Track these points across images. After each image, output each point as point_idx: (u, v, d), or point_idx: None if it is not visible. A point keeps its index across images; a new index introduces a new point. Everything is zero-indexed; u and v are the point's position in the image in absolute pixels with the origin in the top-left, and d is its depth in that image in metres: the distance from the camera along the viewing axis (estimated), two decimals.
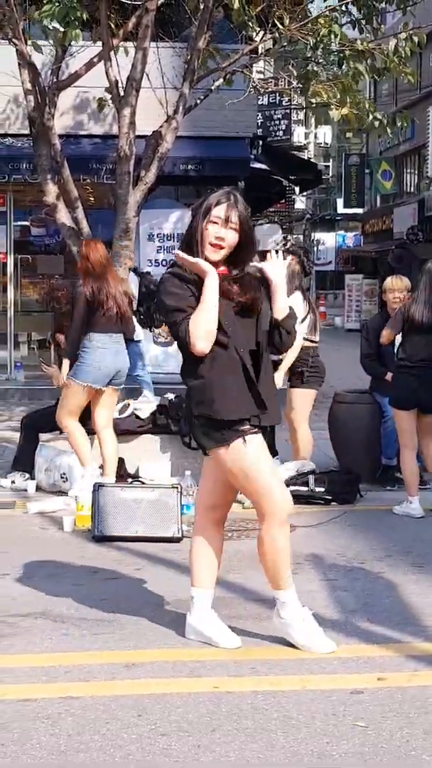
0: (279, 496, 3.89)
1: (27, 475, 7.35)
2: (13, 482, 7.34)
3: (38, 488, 7.21)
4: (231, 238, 3.87)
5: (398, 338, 7.13)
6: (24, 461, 7.42)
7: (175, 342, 3.98)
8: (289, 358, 7.36)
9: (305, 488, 6.99)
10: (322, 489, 6.98)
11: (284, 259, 4.10)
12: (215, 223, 3.85)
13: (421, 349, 6.69)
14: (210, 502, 4.13)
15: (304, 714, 3.39)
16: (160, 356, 12.89)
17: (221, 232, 3.85)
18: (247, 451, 3.86)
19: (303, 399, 7.48)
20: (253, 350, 3.92)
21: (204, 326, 3.79)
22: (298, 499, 6.94)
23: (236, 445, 3.85)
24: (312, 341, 7.48)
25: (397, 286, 7.59)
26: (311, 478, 7.03)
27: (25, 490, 7.19)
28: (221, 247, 3.87)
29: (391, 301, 7.62)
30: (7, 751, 3.12)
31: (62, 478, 7.13)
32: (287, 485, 6.97)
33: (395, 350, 7.20)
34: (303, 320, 7.34)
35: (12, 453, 7.88)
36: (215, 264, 3.88)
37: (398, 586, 4.96)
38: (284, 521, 3.92)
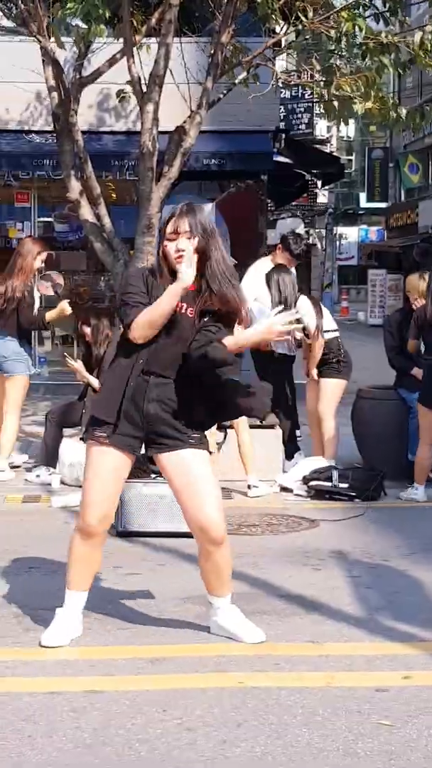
0: (85, 514, 4.03)
1: (52, 470, 7.40)
2: (38, 476, 7.40)
3: (62, 483, 7.26)
4: (188, 246, 3.88)
5: None
6: (49, 456, 7.47)
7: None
8: (317, 352, 7.44)
9: (329, 484, 7.00)
10: (346, 485, 6.98)
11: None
12: (169, 240, 3.93)
13: None
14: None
15: (328, 711, 3.41)
16: None
17: (179, 244, 3.89)
18: (88, 457, 4.04)
19: (335, 389, 7.58)
20: (179, 370, 3.93)
21: (149, 318, 3.87)
22: (321, 494, 6.99)
23: (87, 446, 4.07)
24: (334, 332, 7.61)
25: (414, 286, 7.65)
26: (335, 474, 7.03)
27: (50, 485, 7.24)
28: (182, 257, 3.88)
29: (413, 300, 7.65)
30: (35, 743, 3.16)
31: None
32: (309, 480, 7.04)
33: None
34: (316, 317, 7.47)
35: (37, 448, 7.93)
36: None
37: (424, 583, 4.96)
38: (78, 529, 4.06)
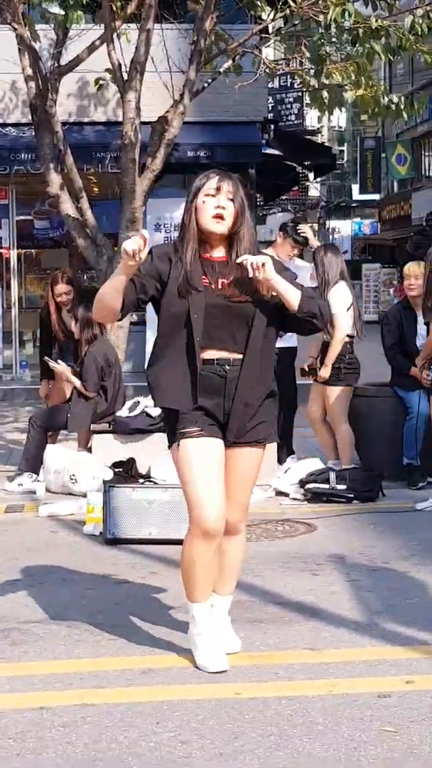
0: (200, 511, 3.75)
1: (35, 476, 7.39)
2: (20, 485, 7.37)
3: (47, 490, 7.24)
4: (230, 208, 3.79)
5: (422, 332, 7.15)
6: (32, 462, 7.45)
7: None
8: (334, 350, 7.36)
9: (326, 486, 7.01)
10: (344, 487, 6.99)
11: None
12: (210, 195, 3.80)
13: None
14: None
15: (329, 719, 3.40)
16: None
17: (220, 201, 3.78)
18: (180, 456, 3.82)
19: (340, 397, 7.49)
20: (233, 350, 3.81)
21: (99, 295, 3.84)
22: (318, 497, 6.99)
23: (175, 447, 3.86)
24: (349, 336, 7.48)
25: (413, 271, 7.51)
26: (332, 476, 7.04)
27: (34, 492, 7.23)
28: (223, 218, 3.78)
29: (407, 286, 7.60)
30: (24, 760, 3.15)
31: (71, 479, 7.15)
32: (306, 483, 7.04)
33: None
34: (348, 309, 7.40)
35: (19, 455, 7.91)
36: (219, 237, 3.81)
37: (425, 586, 4.96)
38: (203, 536, 3.77)
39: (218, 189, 3.80)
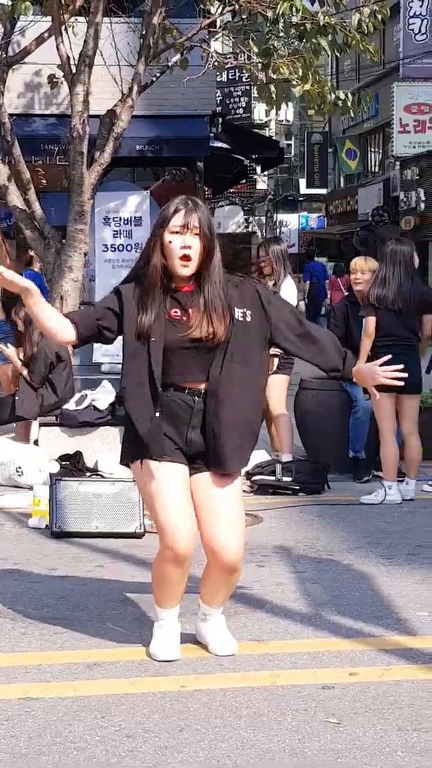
0: (171, 536, 3.69)
1: None
2: None
3: None
4: (196, 246, 3.67)
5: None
6: None
7: None
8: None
9: (272, 478, 7.02)
10: (290, 479, 7.01)
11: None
12: (177, 233, 3.67)
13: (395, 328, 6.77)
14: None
15: (274, 711, 3.41)
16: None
17: (186, 240, 3.66)
18: (146, 479, 3.75)
19: (277, 386, 7.50)
20: (205, 382, 3.72)
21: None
22: (264, 488, 7.00)
23: (136, 466, 3.81)
24: None
25: (360, 266, 7.58)
26: (278, 467, 7.06)
27: None
28: (189, 258, 3.67)
29: (353, 281, 7.65)
30: None
31: (17, 472, 7.09)
32: (252, 475, 7.05)
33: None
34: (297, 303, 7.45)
35: None
36: (186, 279, 3.72)
37: (369, 578, 4.99)
38: (173, 560, 3.73)
39: (184, 226, 3.67)
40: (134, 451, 3.81)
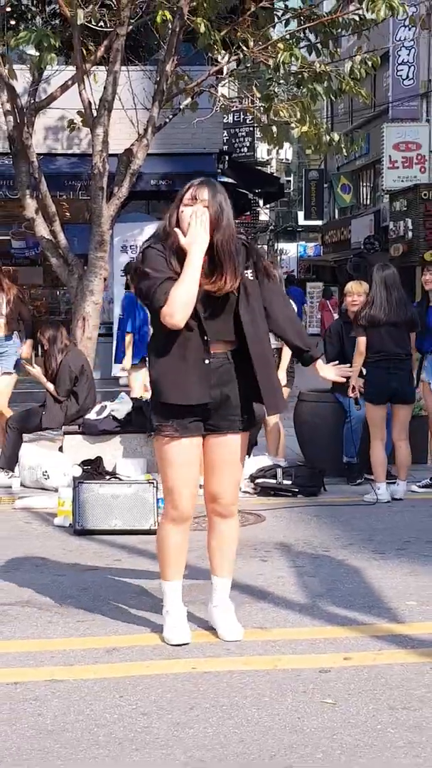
0: (174, 496, 3.81)
1: (11, 473, 7.33)
2: None
3: (22, 485, 7.18)
4: (204, 213, 3.66)
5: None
6: (9, 460, 7.39)
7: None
8: (286, 357, 7.39)
9: (273, 481, 7.02)
10: (290, 482, 7.01)
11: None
12: (186, 205, 3.70)
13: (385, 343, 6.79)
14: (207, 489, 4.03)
15: (276, 692, 3.41)
16: None
17: (197, 210, 3.67)
18: (164, 450, 3.80)
19: None
20: (232, 341, 3.75)
21: (182, 298, 3.57)
22: (266, 491, 7.00)
23: (158, 437, 3.82)
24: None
25: (355, 290, 7.64)
26: (279, 472, 7.06)
27: (10, 487, 7.16)
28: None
29: (350, 303, 7.67)
30: None
31: (44, 475, 7.11)
32: (255, 478, 7.06)
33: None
34: None
35: None
36: None
37: (361, 571, 4.99)
38: (174, 520, 3.84)
39: (193, 198, 3.71)
40: (159, 417, 3.79)
